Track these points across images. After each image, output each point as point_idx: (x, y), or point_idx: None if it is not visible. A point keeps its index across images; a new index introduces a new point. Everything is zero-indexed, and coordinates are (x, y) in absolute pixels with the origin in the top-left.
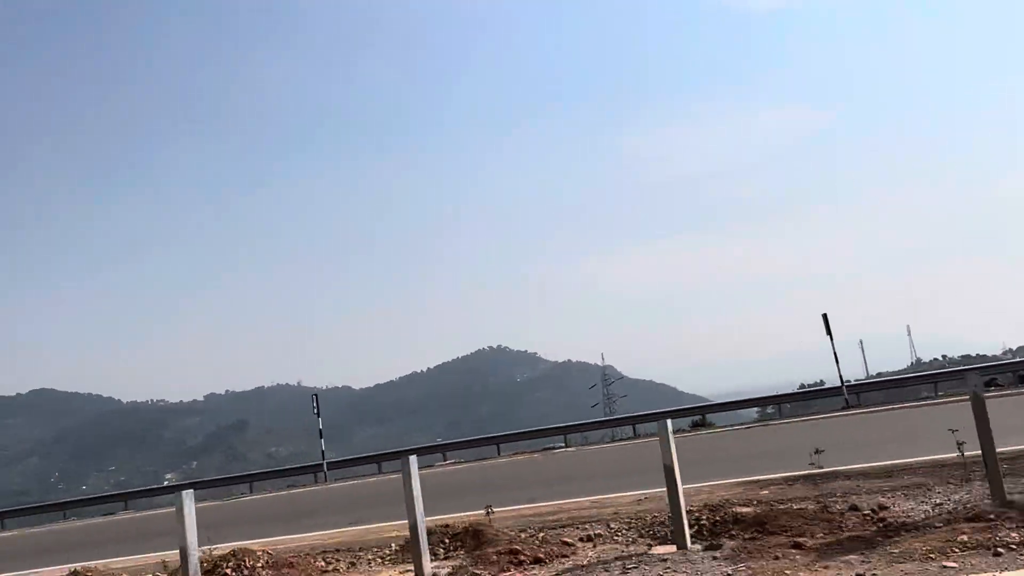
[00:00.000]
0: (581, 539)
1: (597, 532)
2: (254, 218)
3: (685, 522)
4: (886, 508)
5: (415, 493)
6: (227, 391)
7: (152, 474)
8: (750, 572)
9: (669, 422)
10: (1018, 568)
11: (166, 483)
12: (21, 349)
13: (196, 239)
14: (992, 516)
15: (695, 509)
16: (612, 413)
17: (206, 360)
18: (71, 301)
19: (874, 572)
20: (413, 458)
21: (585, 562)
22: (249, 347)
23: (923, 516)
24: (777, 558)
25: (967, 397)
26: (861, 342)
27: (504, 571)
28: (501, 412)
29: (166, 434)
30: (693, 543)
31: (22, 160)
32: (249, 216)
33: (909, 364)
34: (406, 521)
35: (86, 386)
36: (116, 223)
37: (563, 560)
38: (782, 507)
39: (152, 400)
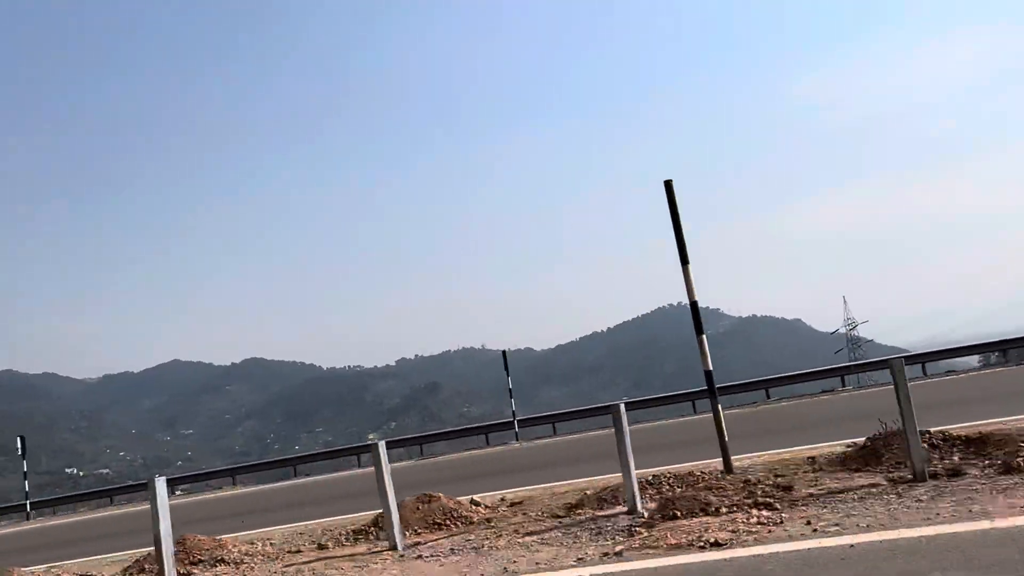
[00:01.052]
0: None
1: None
2: (433, 193)
3: None
4: None
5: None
6: (416, 356)
7: (356, 434)
8: None
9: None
10: None
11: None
12: (235, 323)
13: (387, 216)
14: None
15: None
16: (859, 358)
17: (396, 328)
18: (274, 277)
19: None
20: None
21: None
22: (434, 314)
23: None
24: None
25: None
26: None
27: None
28: (686, 370)
29: (366, 397)
30: None
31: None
32: (428, 191)
33: None
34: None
35: (291, 355)
36: (326, 201)
37: None
38: None
39: (349, 366)
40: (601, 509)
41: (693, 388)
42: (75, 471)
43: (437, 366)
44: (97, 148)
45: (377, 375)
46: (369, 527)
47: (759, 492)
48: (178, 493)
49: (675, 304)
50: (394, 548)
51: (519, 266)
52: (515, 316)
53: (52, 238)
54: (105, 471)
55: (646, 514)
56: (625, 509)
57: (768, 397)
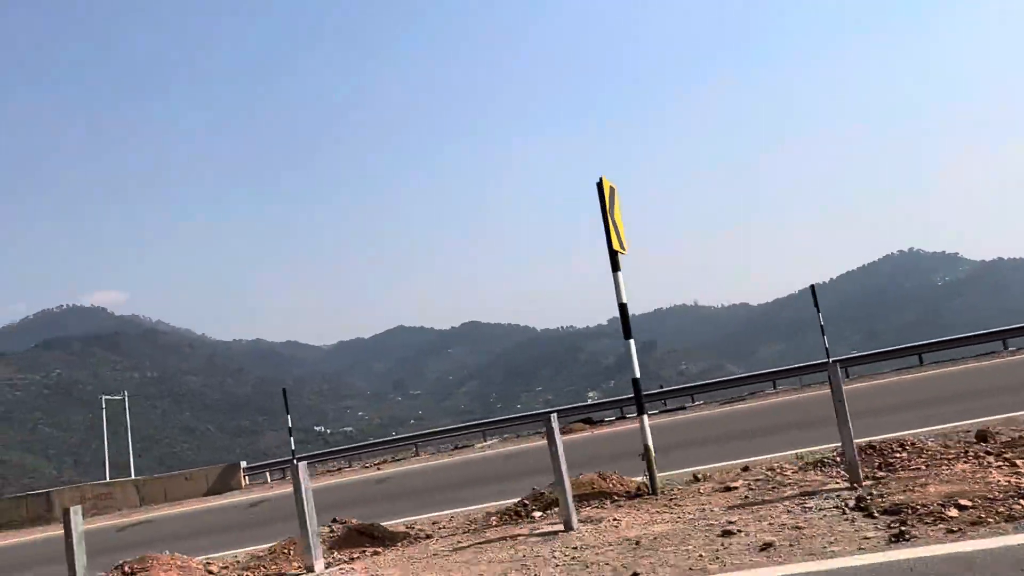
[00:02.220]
0: None
1: None
2: (632, 151)
3: None
4: None
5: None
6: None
7: (574, 392)
8: None
9: None
10: None
11: (589, 400)
12: (452, 291)
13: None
14: None
15: None
16: None
17: (605, 289)
18: (484, 245)
19: None
20: None
21: None
22: (644, 272)
23: None
24: None
25: None
26: None
27: None
28: (923, 320)
29: (580, 356)
30: None
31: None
32: (632, 151)
33: None
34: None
35: (505, 318)
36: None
37: None
38: None
39: (562, 327)
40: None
41: (927, 340)
42: (323, 429)
43: (650, 324)
44: (322, 136)
45: (589, 335)
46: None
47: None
48: (423, 455)
49: (906, 251)
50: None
51: (725, 219)
52: (727, 271)
53: (288, 228)
54: (348, 429)
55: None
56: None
57: (1005, 348)
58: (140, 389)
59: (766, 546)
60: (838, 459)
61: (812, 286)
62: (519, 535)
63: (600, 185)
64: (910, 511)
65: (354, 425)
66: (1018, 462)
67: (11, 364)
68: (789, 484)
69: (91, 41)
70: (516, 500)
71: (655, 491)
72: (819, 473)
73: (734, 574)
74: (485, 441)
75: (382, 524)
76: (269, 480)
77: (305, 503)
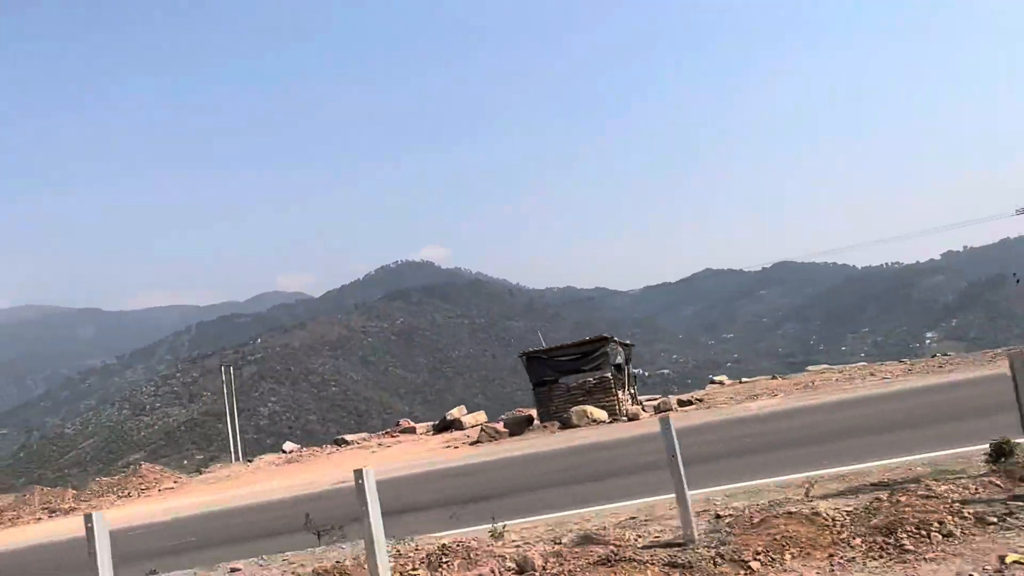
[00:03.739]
0: None
1: None
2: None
3: None
4: None
5: None
6: (965, 247)
7: (907, 333)
8: None
9: None
10: None
11: (927, 341)
12: (759, 230)
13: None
14: None
15: None
16: None
17: (935, 218)
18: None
19: None
20: None
21: None
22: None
23: None
24: None
25: None
26: None
27: None
28: None
29: (913, 294)
30: None
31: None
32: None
33: None
34: None
35: (819, 256)
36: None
37: None
38: None
39: (887, 263)
40: None
41: None
42: (640, 371)
43: (993, 256)
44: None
45: (921, 270)
46: None
47: None
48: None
49: None
50: None
51: None
52: None
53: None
54: (665, 371)
55: None
56: None
57: None
58: (471, 335)
59: None
60: None
61: None
62: None
63: None
64: None
65: (670, 368)
66: None
67: (364, 314)
68: None
69: None
70: None
71: None
72: None
73: None
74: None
75: None
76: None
77: None
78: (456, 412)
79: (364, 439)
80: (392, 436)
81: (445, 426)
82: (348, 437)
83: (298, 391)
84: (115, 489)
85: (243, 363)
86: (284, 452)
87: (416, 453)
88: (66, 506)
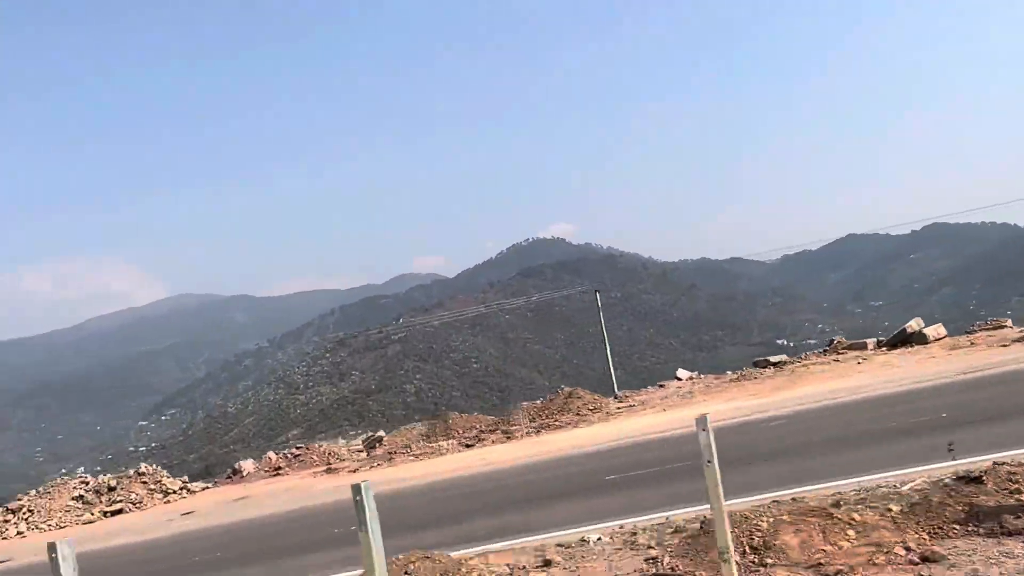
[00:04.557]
0: None
1: None
2: None
3: None
4: None
5: None
6: None
7: None
8: None
9: None
10: None
11: None
12: (909, 192)
13: None
14: None
15: None
16: None
17: None
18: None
19: None
20: None
21: None
22: None
23: None
24: None
25: None
26: None
27: None
28: None
29: None
30: None
31: None
32: None
33: None
34: None
35: (976, 216)
36: None
37: None
38: None
39: None
40: None
41: None
42: (784, 342)
43: None
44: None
45: None
46: None
47: None
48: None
49: None
50: None
51: None
52: None
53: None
54: (812, 341)
55: None
56: None
57: None
58: (606, 309)
59: None
60: None
61: None
62: None
63: None
64: None
65: (816, 338)
66: None
67: (500, 292)
68: None
69: None
70: None
71: None
72: None
73: None
74: None
75: None
76: None
77: None
78: (914, 324)
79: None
80: (839, 353)
81: (901, 341)
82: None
83: (441, 368)
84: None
85: (387, 342)
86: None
87: (927, 366)
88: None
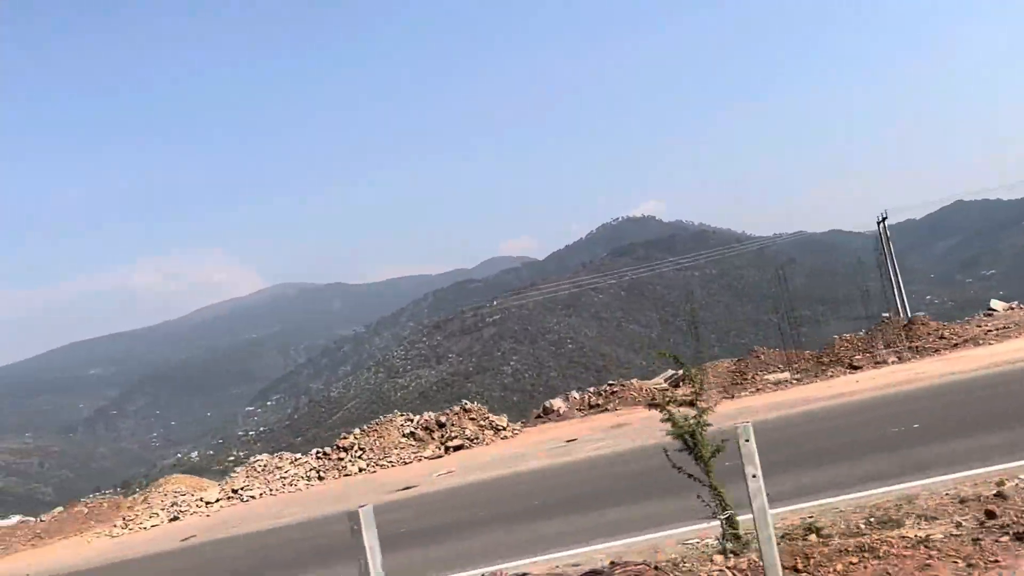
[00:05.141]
0: None
1: None
2: None
3: None
4: None
5: None
6: None
7: None
8: None
9: None
10: None
11: None
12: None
13: None
14: None
15: None
16: None
17: None
18: None
19: None
20: None
21: None
22: None
23: None
24: None
25: None
26: None
27: None
28: None
29: None
30: None
31: None
32: None
33: None
34: None
35: None
36: None
37: None
38: None
39: None
40: None
41: None
42: (890, 316)
43: None
44: None
45: None
46: None
47: None
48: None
49: None
50: None
51: None
52: None
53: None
54: (920, 313)
55: None
56: None
57: None
58: (702, 286)
59: None
60: None
61: None
62: None
63: None
64: None
65: (924, 309)
66: None
67: (592, 272)
68: None
69: None
70: None
71: None
72: None
73: None
74: None
75: None
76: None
77: None
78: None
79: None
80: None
81: None
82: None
83: (537, 349)
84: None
85: (482, 325)
86: None
87: None
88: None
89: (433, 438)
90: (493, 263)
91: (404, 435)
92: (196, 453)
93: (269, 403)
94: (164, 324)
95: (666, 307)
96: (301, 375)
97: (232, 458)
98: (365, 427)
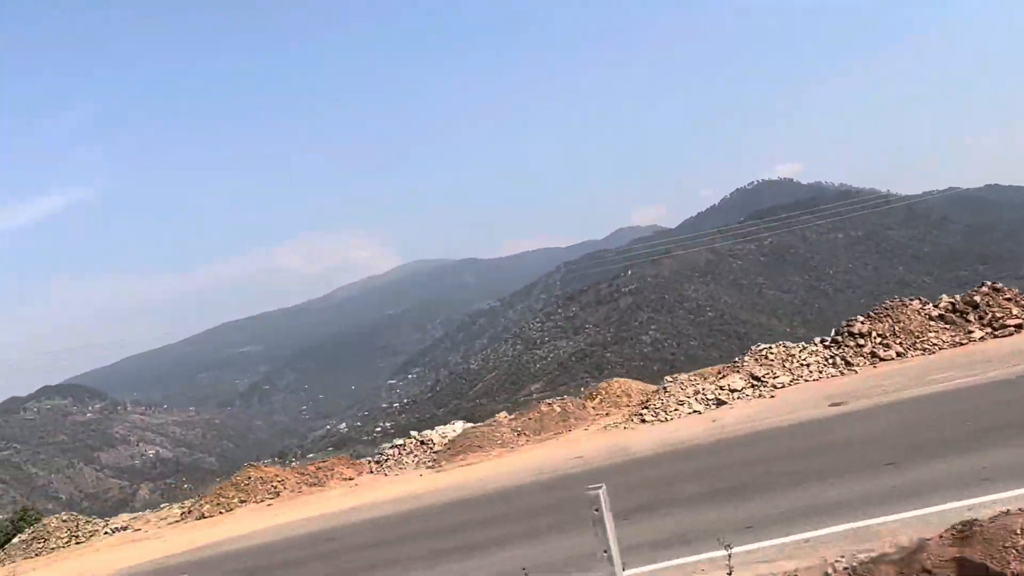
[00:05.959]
0: None
1: None
2: None
3: None
4: None
5: None
6: None
7: None
8: None
9: None
10: None
11: None
12: None
13: None
14: None
15: None
16: None
17: None
18: None
19: None
20: None
21: None
22: None
23: None
24: None
25: None
26: None
27: None
28: None
29: None
30: None
31: None
32: None
33: None
34: None
35: None
36: None
37: None
38: None
39: None
40: None
41: None
42: None
43: None
44: None
45: None
46: None
47: None
48: None
49: None
50: None
51: None
52: None
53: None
54: None
55: None
56: None
57: None
58: (847, 248)
59: None
60: None
61: None
62: None
63: None
64: None
65: None
66: None
67: (729, 237)
68: None
69: None
70: None
71: None
72: None
73: None
74: None
75: None
76: None
77: None
78: None
79: None
80: None
81: None
82: None
83: (676, 318)
84: None
85: (618, 295)
86: None
87: None
88: None
89: (968, 320)
90: (623, 233)
91: (932, 318)
92: (344, 424)
93: (410, 376)
94: (308, 303)
95: (810, 271)
96: (439, 348)
97: (379, 429)
98: (871, 312)
